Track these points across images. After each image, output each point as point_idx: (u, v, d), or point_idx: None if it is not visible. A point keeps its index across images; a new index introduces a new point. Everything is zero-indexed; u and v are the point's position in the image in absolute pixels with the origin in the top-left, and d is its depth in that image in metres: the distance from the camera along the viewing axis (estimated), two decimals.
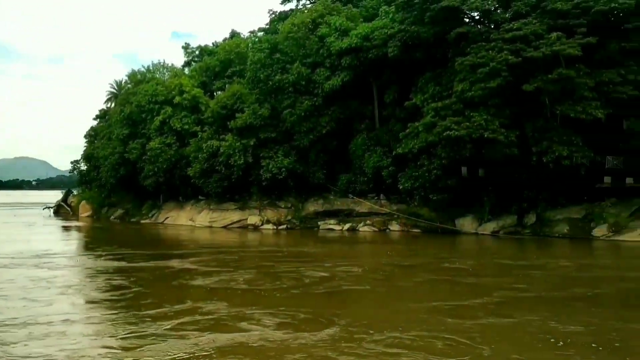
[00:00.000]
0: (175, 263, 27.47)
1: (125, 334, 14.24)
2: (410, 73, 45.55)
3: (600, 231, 38.46)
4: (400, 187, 43.35)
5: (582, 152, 36.97)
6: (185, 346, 13.24)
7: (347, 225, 45.90)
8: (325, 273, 24.43)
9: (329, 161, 49.41)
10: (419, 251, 33.89)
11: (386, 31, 44.16)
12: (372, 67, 46.99)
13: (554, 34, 35.65)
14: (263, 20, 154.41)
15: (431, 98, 41.68)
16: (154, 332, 14.47)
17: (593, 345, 13.96)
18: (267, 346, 13.46)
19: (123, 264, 27.13)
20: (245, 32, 72.78)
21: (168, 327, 14.96)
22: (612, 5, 35.35)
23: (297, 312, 16.91)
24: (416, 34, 41.96)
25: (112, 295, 19.48)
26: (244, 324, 15.46)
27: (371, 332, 14.77)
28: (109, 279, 22.76)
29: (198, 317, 16.15)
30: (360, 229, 45.09)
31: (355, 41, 45.35)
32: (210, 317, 16.27)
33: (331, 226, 46.51)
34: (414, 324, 15.63)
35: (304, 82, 47.53)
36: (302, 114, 46.89)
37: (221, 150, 48.47)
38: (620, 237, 37.33)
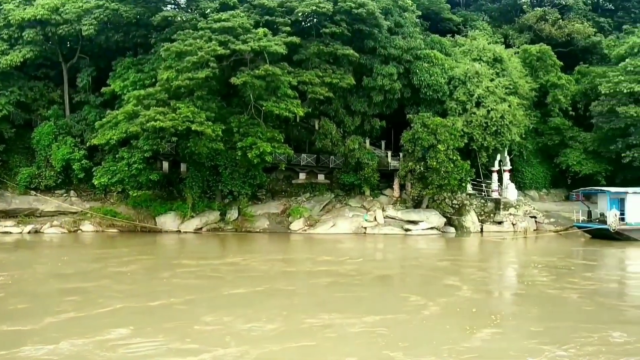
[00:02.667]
0: None
1: None
2: (108, 56, 41.72)
3: (296, 225, 40.31)
4: (96, 183, 38.82)
5: (283, 149, 38.03)
6: None
7: (28, 227, 39.06)
8: None
9: (5, 151, 42.21)
10: (101, 255, 29.94)
11: (81, 5, 39.27)
12: (62, 45, 41.82)
13: (261, 30, 35.91)
14: None
15: (132, 85, 38.53)
16: None
17: None
18: None
19: None
20: None
21: None
22: (313, 8, 37.13)
23: None
24: (116, 13, 38.21)
25: None
26: None
27: None
28: None
29: None
30: (46, 231, 38.91)
31: (41, 12, 39.32)
32: None
33: (8, 228, 39.01)
34: None
35: None
36: None
37: None
38: (315, 230, 39.70)
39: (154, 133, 36.05)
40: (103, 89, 40.21)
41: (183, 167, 41.62)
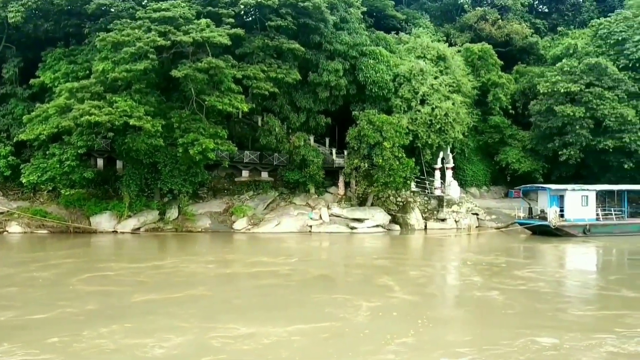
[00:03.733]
0: None
1: None
2: (37, 46, 39.37)
3: (240, 224, 39.09)
4: (24, 181, 36.43)
5: (226, 145, 36.72)
6: None
7: None
8: None
9: None
10: (23, 259, 27.52)
11: None
12: None
13: (203, 20, 34.45)
14: None
15: (64, 77, 36.47)
16: None
17: None
18: None
19: None
20: None
21: None
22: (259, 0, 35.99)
23: None
24: (46, 0, 35.86)
25: None
26: None
27: None
28: None
29: None
30: None
31: None
32: None
33: None
34: None
35: None
36: None
37: None
38: (259, 230, 38.59)
39: (89, 128, 34.08)
40: (32, 81, 37.95)
41: (119, 164, 39.70)
